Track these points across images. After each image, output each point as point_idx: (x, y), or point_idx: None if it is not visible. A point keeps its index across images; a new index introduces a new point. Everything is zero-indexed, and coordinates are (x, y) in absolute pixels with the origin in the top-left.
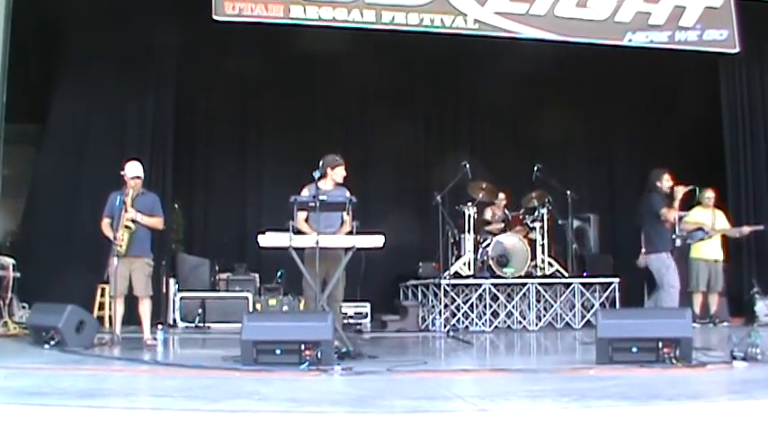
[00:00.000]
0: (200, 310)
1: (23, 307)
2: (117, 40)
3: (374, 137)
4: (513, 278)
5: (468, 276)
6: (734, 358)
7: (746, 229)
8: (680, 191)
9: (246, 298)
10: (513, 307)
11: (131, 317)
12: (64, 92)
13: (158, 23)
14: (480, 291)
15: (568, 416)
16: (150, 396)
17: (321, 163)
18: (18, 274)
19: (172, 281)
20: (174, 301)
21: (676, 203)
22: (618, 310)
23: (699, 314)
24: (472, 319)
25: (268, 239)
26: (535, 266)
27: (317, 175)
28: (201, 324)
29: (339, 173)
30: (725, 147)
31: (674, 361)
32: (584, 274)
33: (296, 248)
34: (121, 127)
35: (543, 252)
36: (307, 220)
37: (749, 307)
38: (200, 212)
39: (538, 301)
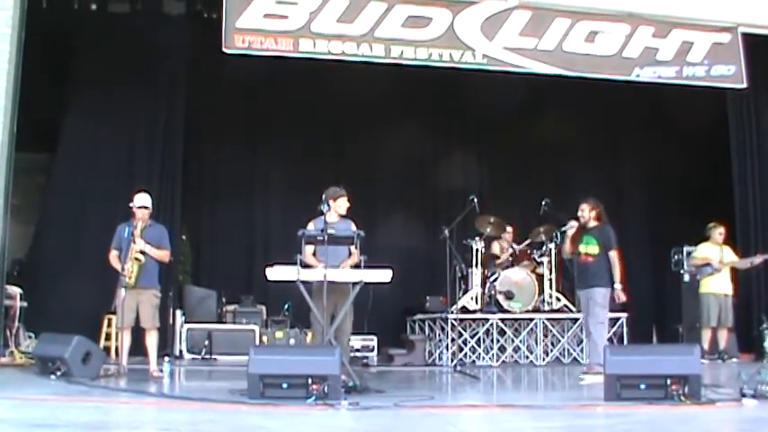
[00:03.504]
0: (206, 342)
1: (30, 337)
2: (127, 70)
3: (381, 172)
4: (521, 313)
5: (475, 311)
6: (743, 396)
7: (758, 259)
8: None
9: (253, 330)
10: (520, 341)
11: (138, 348)
12: (74, 122)
13: (169, 55)
14: (487, 325)
15: None
16: (156, 429)
17: (323, 196)
18: (25, 304)
19: (178, 312)
20: (180, 333)
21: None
22: (626, 347)
23: (708, 350)
24: (479, 354)
25: (276, 273)
26: (543, 301)
27: (324, 208)
28: (208, 356)
29: (341, 204)
30: (733, 181)
31: (682, 398)
32: None
33: (303, 282)
34: (130, 157)
35: (551, 287)
36: (314, 254)
37: (758, 343)
38: (208, 244)
39: (545, 336)
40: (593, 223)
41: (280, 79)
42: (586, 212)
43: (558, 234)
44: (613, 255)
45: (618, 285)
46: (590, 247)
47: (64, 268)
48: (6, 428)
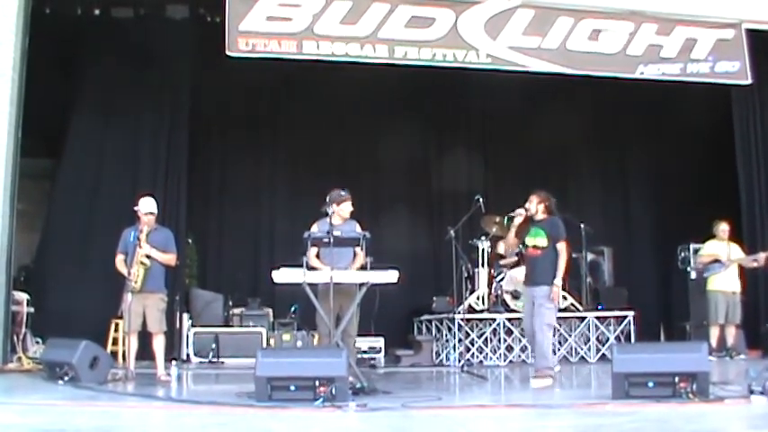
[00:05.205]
0: (213, 346)
1: (37, 342)
2: (131, 75)
3: (386, 173)
4: None
5: (482, 310)
6: (752, 392)
7: (763, 256)
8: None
9: (260, 333)
10: (527, 341)
11: (145, 352)
12: (78, 127)
13: (173, 59)
14: (494, 325)
15: None
16: None
17: (327, 199)
18: (32, 310)
19: (185, 316)
20: (187, 337)
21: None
22: (633, 345)
23: (715, 347)
24: (486, 354)
25: (282, 275)
26: None
27: (329, 210)
28: (215, 359)
29: (345, 208)
30: (739, 178)
31: (690, 396)
32: (599, 308)
33: (310, 284)
34: (135, 161)
35: None
36: (318, 256)
37: (766, 339)
38: (214, 247)
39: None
40: (541, 216)
41: (283, 81)
42: (534, 204)
43: (506, 220)
44: (561, 246)
45: (558, 282)
46: (538, 240)
47: (70, 273)
48: None
